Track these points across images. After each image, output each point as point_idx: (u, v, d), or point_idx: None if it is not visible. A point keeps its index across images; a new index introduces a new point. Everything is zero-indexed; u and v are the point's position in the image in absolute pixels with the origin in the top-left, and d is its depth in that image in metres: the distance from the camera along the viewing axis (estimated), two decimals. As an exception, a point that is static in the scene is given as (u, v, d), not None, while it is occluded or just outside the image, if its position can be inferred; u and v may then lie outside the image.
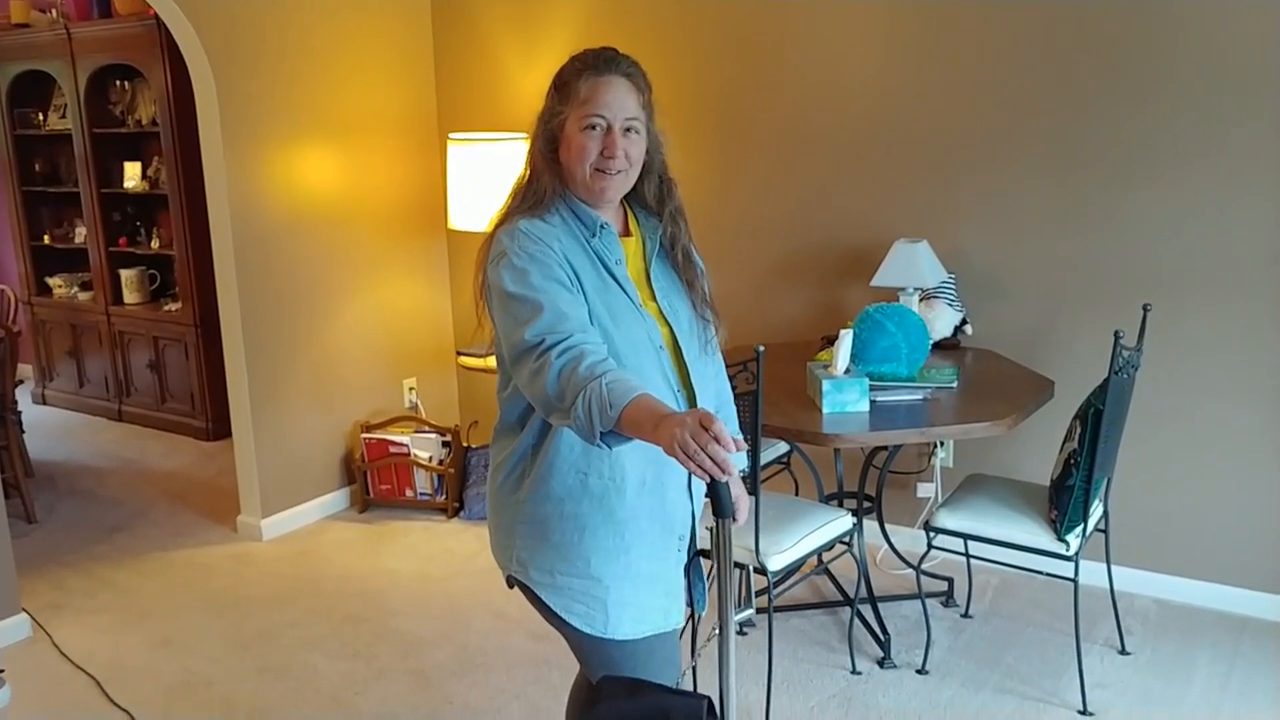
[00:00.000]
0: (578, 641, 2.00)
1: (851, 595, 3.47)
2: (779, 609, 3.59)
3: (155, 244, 5.74)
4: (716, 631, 1.68)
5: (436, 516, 4.53)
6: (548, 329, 1.75)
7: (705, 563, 2.05)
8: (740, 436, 2.21)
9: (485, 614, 3.64)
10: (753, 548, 2.90)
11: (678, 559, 2.02)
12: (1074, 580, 2.98)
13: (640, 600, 1.96)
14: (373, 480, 4.58)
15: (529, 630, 3.49)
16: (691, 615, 2.13)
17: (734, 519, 2.07)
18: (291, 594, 3.84)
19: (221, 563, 4.13)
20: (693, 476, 2.00)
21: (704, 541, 1.95)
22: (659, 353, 1.92)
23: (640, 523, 1.94)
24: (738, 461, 1.57)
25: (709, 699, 1.67)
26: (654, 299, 1.97)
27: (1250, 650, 3.28)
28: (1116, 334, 2.78)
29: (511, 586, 2.06)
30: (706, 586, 2.12)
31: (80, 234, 6.05)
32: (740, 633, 3.47)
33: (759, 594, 3.56)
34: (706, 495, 1.67)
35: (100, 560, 4.16)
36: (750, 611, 1.84)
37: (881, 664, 3.25)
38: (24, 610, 3.60)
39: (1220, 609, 3.51)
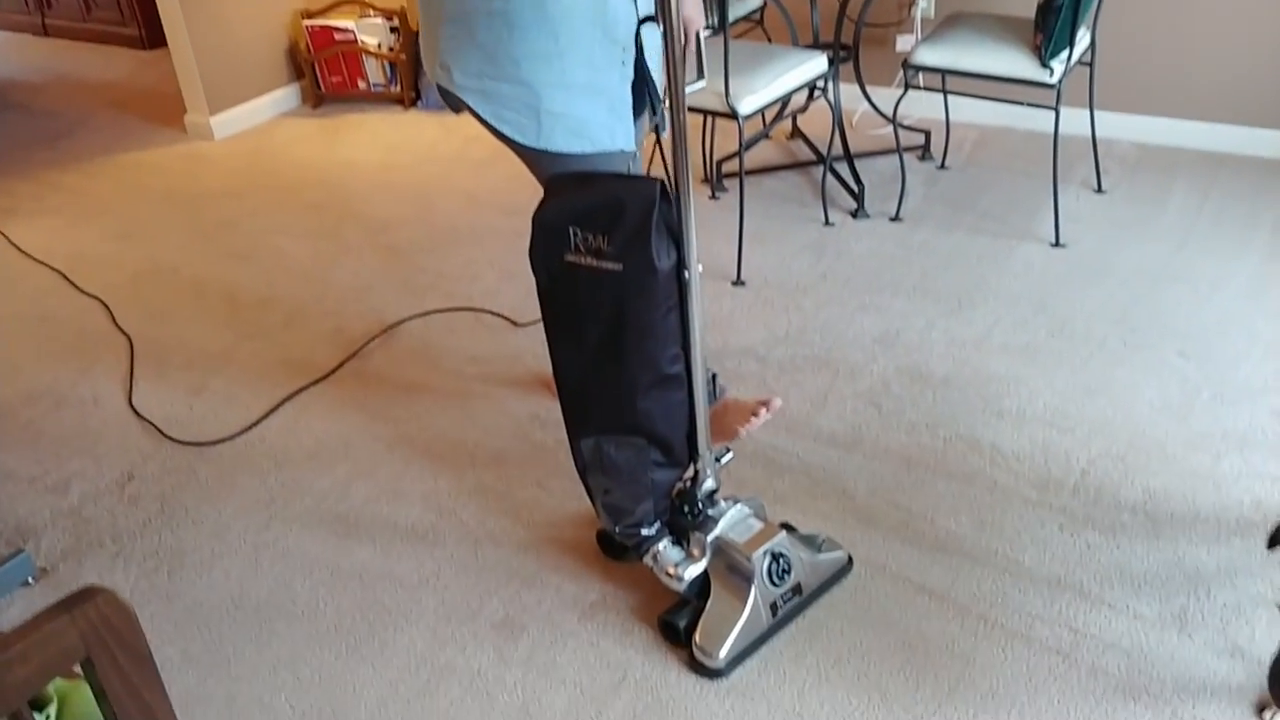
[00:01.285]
0: (520, 154, 1.90)
1: (825, 154, 3.38)
2: (751, 172, 3.51)
3: None
4: (665, 104, 1.56)
5: (393, 108, 4.34)
6: None
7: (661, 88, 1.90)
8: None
9: (453, 196, 3.55)
10: (722, 91, 2.75)
11: (622, 74, 1.86)
12: (1055, 110, 2.87)
13: (577, 112, 1.83)
14: (322, 73, 4.33)
15: (499, 207, 3.42)
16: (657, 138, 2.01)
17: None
18: (250, 186, 3.73)
19: (173, 162, 3.98)
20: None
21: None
22: None
23: (575, 24, 1.76)
24: None
25: (662, 182, 1.59)
26: None
27: (1226, 182, 3.25)
28: None
29: (457, 109, 1.93)
30: (663, 105, 1.98)
31: None
32: (712, 197, 3.41)
33: (729, 157, 3.47)
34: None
35: (46, 166, 4.00)
36: (702, 83, 1.69)
37: (855, 215, 3.22)
38: (-26, 213, 3.50)
39: (1199, 147, 3.45)
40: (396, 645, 1.87)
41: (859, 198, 3.24)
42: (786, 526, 1.99)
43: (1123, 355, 2.50)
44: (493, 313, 2.87)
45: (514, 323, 2.81)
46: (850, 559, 1.95)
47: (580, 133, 1.85)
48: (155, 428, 2.49)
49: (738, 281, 2.92)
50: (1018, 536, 2.00)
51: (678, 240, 1.63)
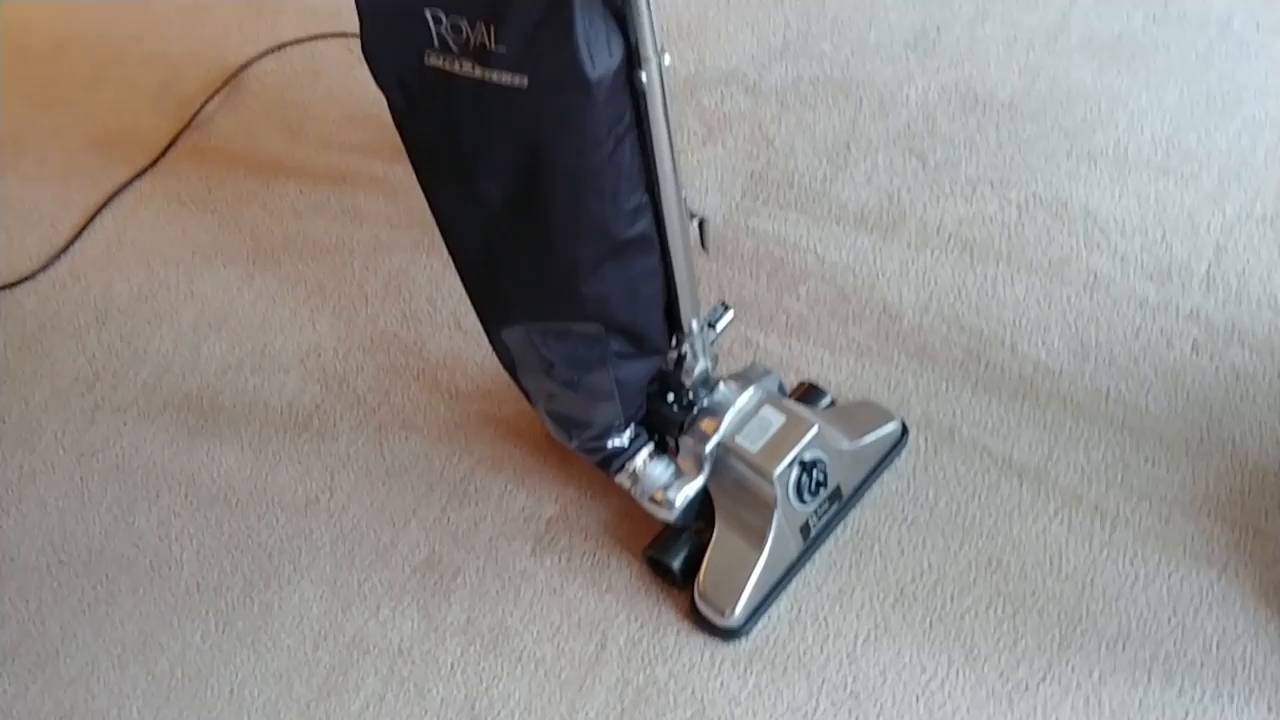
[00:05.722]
0: None
1: None
2: None
3: None
4: None
5: None
6: None
7: None
8: None
9: None
10: None
11: None
12: None
13: None
14: None
15: None
16: None
17: None
18: None
19: None
20: None
21: None
22: None
23: None
24: None
25: None
26: None
27: None
28: None
29: None
30: None
31: None
32: None
33: None
34: None
35: None
36: None
37: None
38: None
39: None
40: (284, 610, 1.35)
41: None
42: (811, 390, 1.41)
43: (1255, 45, 1.79)
44: (377, 35, 2.07)
45: (408, 47, 2.04)
46: (904, 427, 1.38)
47: None
48: (-72, 268, 1.81)
49: (709, -43, 2.11)
50: (1135, 367, 1.42)
51: (622, 16, 0.90)
